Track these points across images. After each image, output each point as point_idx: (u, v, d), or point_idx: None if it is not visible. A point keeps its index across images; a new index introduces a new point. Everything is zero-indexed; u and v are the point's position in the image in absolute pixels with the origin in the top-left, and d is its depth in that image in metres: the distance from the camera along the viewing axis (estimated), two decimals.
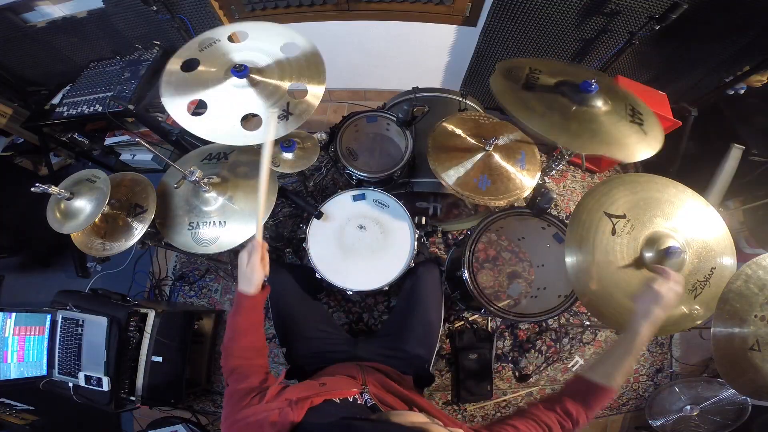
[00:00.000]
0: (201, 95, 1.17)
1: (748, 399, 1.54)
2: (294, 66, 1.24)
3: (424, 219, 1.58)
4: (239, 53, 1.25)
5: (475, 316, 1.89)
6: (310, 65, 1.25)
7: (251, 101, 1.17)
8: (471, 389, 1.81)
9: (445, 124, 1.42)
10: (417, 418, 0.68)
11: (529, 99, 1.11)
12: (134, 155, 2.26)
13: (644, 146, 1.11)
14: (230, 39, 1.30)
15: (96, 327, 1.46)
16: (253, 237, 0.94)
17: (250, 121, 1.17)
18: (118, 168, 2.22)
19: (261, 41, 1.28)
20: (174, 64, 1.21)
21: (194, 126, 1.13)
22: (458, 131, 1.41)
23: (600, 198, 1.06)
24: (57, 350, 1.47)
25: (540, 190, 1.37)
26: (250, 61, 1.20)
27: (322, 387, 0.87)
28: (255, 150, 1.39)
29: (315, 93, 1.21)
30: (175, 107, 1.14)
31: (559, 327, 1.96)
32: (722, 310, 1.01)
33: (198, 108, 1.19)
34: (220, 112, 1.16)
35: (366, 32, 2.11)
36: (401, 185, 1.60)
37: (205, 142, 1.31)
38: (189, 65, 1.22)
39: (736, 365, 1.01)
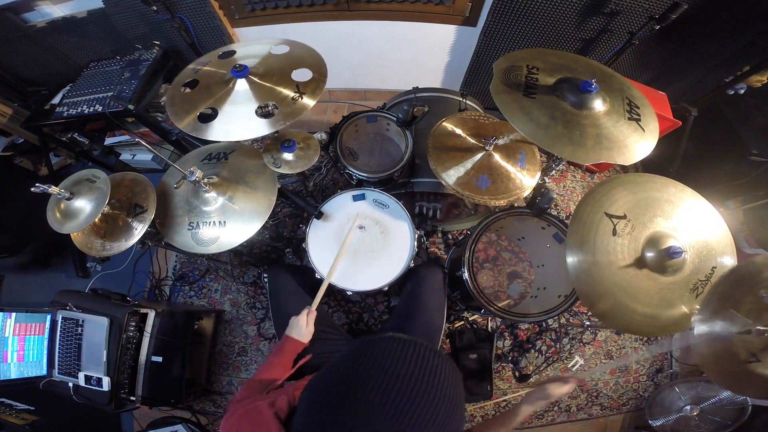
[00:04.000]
0: (210, 105, 1.21)
1: (748, 399, 1.54)
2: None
3: (424, 219, 1.58)
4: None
5: (475, 316, 1.89)
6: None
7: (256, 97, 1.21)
8: (471, 389, 1.81)
9: (445, 123, 1.42)
10: None
11: (531, 108, 1.11)
12: (134, 155, 2.26)
13: (643, 144, 1.11)
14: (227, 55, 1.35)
15: (96, 327, 1.46)
16: (310, 308, 1.18)
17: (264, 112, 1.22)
18: (118, 168, 2.22)
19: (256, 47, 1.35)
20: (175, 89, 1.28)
21: (215, 134, 1.18)
22: (458, 131, 1.41)
23: (600, 198, 1.06)
24: (57, 350, 1.47)
25: (540, 190, 1.37)
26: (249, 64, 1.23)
27: None
28: (256, 152, 1.40)
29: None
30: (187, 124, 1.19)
31: (559, 327, 1.96)
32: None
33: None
34: (233, 111, 1.20)
35: (366, 32, 2.11)
36: (401, 185, 1.60)
37: (206, 142, 1.31)
38: (190, 85, 1.28)
39: (739, 380, 0.99)
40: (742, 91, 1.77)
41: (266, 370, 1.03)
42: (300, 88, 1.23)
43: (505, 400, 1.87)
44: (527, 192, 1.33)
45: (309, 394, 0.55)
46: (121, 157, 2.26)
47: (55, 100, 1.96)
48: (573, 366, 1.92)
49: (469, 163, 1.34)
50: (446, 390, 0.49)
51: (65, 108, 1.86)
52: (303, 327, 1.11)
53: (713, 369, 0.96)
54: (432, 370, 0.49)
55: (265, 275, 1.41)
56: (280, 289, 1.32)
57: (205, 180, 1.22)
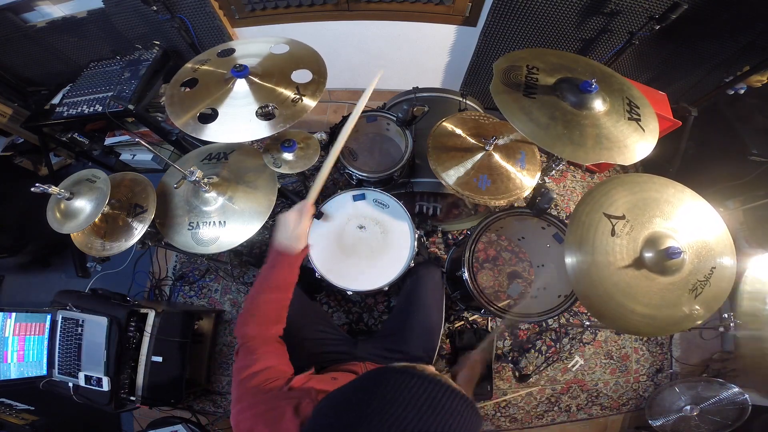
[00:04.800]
0: (209, 105, 1.21)
1: (748, 399, 1.54)
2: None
3: (424, 219, 1.57)
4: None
5: (475, 316, 1.89)
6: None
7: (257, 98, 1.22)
8: None
9: (445, 123, 1.42)
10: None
11: (531, 108, 1.11)
12: (134, 155, 2.26)
13: (643, 144, 1.11)
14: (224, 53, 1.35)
15: (96, 327, 1.46)
16: (304, 200, 0.91)
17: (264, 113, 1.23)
18: (118, 168, 2.22)
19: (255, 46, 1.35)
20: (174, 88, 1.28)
21: (215, 135, 1.18)
22: (458, 131, 1.41)
23: (599, 198, 1.06)
24: (57, 350, 1.47)
25: (540, 190, 1.37)
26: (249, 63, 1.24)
27: (333, 381, 0.88)
28: (256, 152, 1.40)
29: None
30: (185, 122, 1.19)
31: (559, 327, 1.96)
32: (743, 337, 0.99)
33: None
34: (233, 113, 1.20)
35: (366, 32, 2.10)
36: (401, 185, 1.60)
37: (206, 142, 1.31)
38: (189, 84, 1.28)
39: None
40: (742, 91, 1.77)
41: (268, 290, 0.89)
42: (300, 90, 1.23)
43: (505, 400, 1.87)
44: (527, 192, 1.33)
45: (323, 415, 0.56)
46: (121, 157, 2.26)
47: (55, 100, 1.96)
48: (573, 366, 1.92)
49: (469, 163, 1.34)
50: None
51: (65, 108, 1.86)
52: (290, 228, 0.88)
53: (750, 371, 0.96)
54: (445, 409, 0.49)
55: None
56: None
57: (205, 180, 1.22)
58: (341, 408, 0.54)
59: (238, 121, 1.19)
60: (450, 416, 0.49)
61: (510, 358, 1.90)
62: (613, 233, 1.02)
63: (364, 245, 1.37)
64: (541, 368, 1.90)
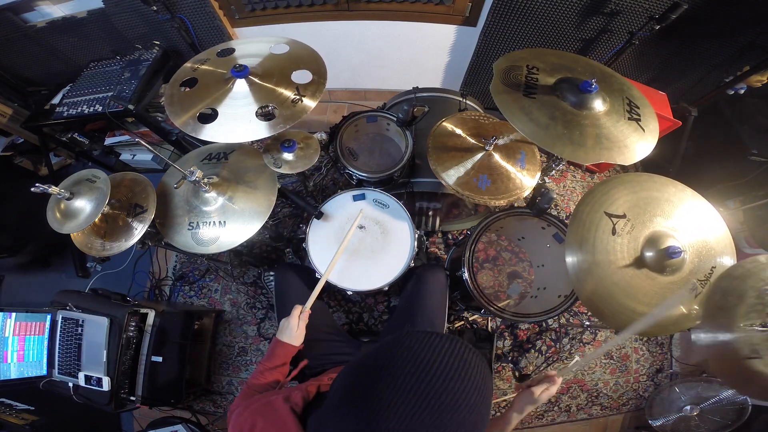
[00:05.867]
0: (209, 105, 1.21)
1: (748, 399, 1.54)
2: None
3: (424, 219, 1.58)
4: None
5: (475, 316, 1.88)
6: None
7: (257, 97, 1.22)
8: None
9: (445, 123, 1.42)
10: None
11: (531, 108, 1.11)
12: (134, 155, 2.26)
13: (643, 144, 1.11)
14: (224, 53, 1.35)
15: (96, 327, 1.46)
16: (304, 307, 1.12)
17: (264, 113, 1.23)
18: (118, 168, 2.22)
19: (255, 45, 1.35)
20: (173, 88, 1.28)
21: (215, 135, 1.18)
22: (458, 131, 1.41)
23: (600, 198, 1.06)
24: (57, 350, 1.47)
25: (540, 190, 1.37)
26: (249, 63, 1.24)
27: (330, 381, 0.89)
28: (256, 152, 1.40)
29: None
30: (185, 122, 1.19)
31: (559, 327, 1.96)
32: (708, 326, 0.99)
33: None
34: (233, 113, 1.20)
35: (366, 32, 2.11)
36: (401, 185, 1.60)
37: (206, 142, 1.31)
38: (188, 83, 1.28)
39: (739, 376, 0.99)
40: (742, 91, 1.77)
41: (260, 377, 1.01)
42: (300, 90, 1.23)
43: (505, 400, 1.87)
44: (527, 192, 1.33)
45: (344, 376, 0.56)
46: (121, 157, 2.26)
47: (55, 100, 1.96)
48: (573, 366, 1.91)
49: (469, 163, 1.34)
50: (477, 379, 0.51)
51: (65, 108, 1.86)
52: (294, 329, 1.07)
53: (715, 364, 0.96)
54: (464, 359, 0.51)
55: (270, 273, 1.40)
56: (287, 289, 1.31)
57: (205, 180, 1.22)
58: (370, 362, 0.54)
59: (237, 121, 1.19)
60: (469, 366, 0.51)
61: (510, 358, 1.90)
62: (614, 232, 1.02)
63: (364, 245, 1.37)
64: (541, 368, 1.90)
